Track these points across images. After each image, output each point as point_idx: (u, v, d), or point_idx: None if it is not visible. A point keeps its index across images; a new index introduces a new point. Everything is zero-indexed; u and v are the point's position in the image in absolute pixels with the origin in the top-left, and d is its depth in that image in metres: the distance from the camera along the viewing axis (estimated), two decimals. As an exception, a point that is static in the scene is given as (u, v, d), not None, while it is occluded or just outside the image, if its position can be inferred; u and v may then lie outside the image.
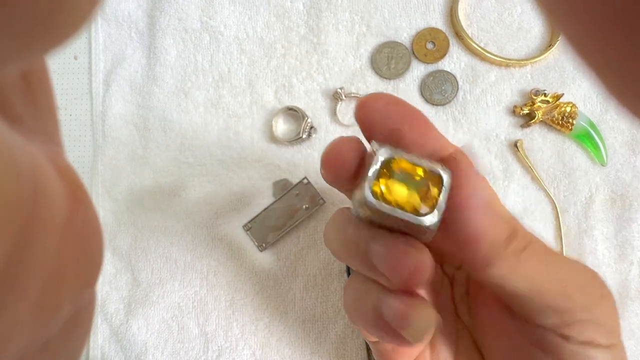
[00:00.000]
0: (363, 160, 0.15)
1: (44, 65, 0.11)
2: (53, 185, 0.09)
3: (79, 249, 0.10)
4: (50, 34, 0.07)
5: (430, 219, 0.14)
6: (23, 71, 0.10)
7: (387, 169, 0.14)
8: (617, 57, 0.06)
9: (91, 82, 0.33)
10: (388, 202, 0.14)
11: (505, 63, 0.30)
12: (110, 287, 0.31)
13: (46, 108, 0.11)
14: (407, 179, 0.14)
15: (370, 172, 0.14)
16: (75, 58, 0.34)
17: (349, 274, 0.29)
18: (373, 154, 0.14)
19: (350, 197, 0.16)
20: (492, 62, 0.31)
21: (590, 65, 0.07)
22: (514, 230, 0.16)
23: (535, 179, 0.30)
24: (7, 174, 0.07)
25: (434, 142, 0.15)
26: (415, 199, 0.14)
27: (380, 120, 0.15)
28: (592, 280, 0.17)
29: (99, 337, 0.31)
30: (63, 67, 0.34)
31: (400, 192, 0.14)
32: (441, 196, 0.14)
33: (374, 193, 0.14)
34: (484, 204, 0.15)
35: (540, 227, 0.30)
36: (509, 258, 0.15)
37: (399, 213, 0.14)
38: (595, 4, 0.06)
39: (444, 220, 0.14)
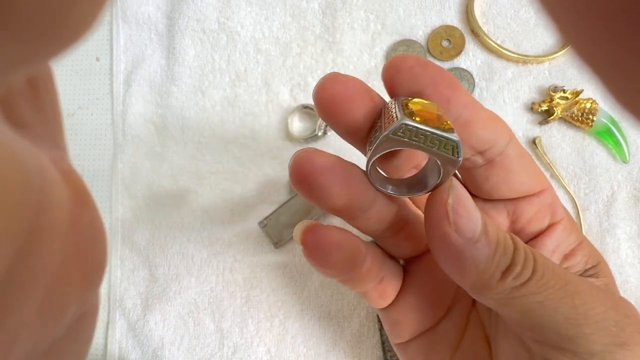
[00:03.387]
0: (373, 111, 0.15)
1: (50, 70, 0.11)
2: (58, 188, 0.09)
3: (83, 251, 0.10)
4: (57, 39, 0.07)
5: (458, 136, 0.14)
6: (29, 76, 0.10)
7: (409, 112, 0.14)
8: (618, 58, 0.06)
9: (112, 82, 0.34)
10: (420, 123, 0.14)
11: (523, 60, 0.30)
12: (128, 282, 0.32)
13: (52, 113, 0.11)
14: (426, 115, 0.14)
15: (398, 107, 0.14)
16: (97, 59, 0.35)
17: (364, 271, 0.29)
18: (392, 103, 0.15)
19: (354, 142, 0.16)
20: (509, 59, 0.30)
21: (592, 67, 0.07)
22: (512, 262, 0.14)
23: (554, 176, 0.29)
24: (13, 178, 0.07)
25: (458, 107, 0.15)
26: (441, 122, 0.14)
27: (404, 82, 0.14)
28: (625, 319, 0.15)
29: (117, 332, 0.31)
30: (85, 68, 0.35)
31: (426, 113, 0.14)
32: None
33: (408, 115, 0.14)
34: (467, 239, 0.14)
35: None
36: (500, 293, 0.14)
37: (434, 130, 0.14)
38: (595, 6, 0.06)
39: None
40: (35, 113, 0.10)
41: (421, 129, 0.13)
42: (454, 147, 0.14)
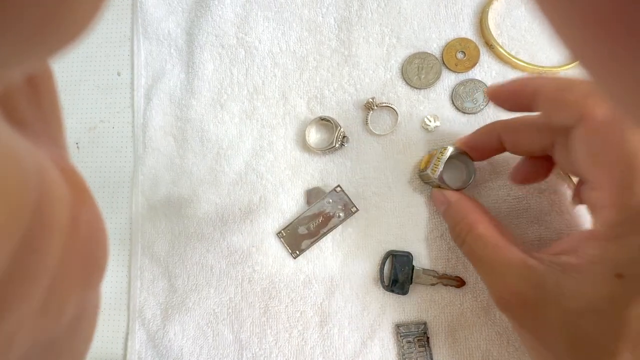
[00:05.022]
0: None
1: (49, 69, 0.11)
2: (57, 187, 0.09)
3: (83, 250, 0.10)
4: (54, 37, 0.07)
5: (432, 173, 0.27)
6: (28, 75, 0.10)
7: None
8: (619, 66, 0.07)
9: (133, 96, 0.35)
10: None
11: (537, 71, 0.30)
12: (147, 293, 0.32)
13: (51, 111, 0.11)
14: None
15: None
16: (119, 74, 0.36)
17: (383, 282, 0.29)
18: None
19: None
20: (523, 70, 0.31)
21: (596, 79, 0.08)
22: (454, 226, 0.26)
23: (569, 180, 0.29)
24: (12, 176, 0.07)
25: None
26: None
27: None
28: None
29: (136, 342, 0.31)
30: (107, 82, 0.36)
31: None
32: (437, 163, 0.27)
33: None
34: None
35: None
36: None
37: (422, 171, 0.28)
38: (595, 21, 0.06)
39: None
40: (35, 111, 0.10)
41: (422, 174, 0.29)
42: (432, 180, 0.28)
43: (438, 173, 0.27)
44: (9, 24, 0.06)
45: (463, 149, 0.27)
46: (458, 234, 0.25)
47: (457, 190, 0.27)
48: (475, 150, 0.27)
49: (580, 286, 0.18)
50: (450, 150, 0.27)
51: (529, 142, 0.23)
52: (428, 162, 0.28)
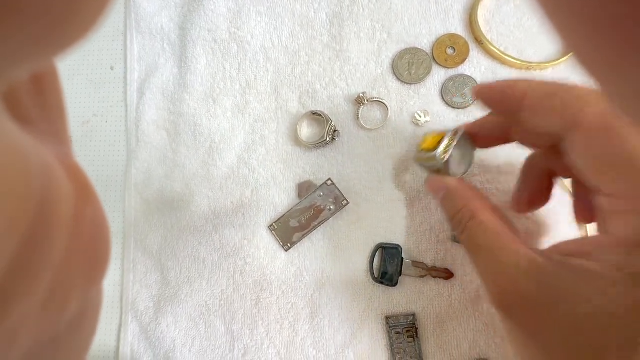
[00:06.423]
0: None
1: (54, 68, 0.11)
2: (62, 184, 0.09)
3: (86, 246, 0.10)
4: (60, 37, 0.07)
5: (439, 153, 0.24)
6: (34, 74, 0.10)
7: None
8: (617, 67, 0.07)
9: (126, 90, 0.35)
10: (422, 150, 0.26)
11: (526, 66, 0.31)
12: (140, 285, 0.32)
13: (56, 110, 0.11)
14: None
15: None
16: (112, 68, 0.36)
17: (373, 274, 0.30)
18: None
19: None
20: (512, 66, 0.31)
21: (591, 73, 0.08)
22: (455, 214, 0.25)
23: (560, 180, 0.30)
24: (17, 173, 0.07)
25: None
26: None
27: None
28: None
29: (129, 334, 0.32)
30: (100, 77, 0.36)
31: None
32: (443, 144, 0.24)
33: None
34: None
35: (566, 226, 0.29)
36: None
37: (424, 152, 0.25)
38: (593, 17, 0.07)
39: None
40: (40, 110, 0.10)
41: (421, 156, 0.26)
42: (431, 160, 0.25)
43: (447, 157, 0.24)
44: (17, 23, 0.06)
45: (470, 134, 0.25)
46: (459, 221, 0.23)
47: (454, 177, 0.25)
48: (487, 129, 0.25)
49: (600, 293, 0.17)
50: (460, 133, 0.24)
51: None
52: (432, 142, 0.25)
